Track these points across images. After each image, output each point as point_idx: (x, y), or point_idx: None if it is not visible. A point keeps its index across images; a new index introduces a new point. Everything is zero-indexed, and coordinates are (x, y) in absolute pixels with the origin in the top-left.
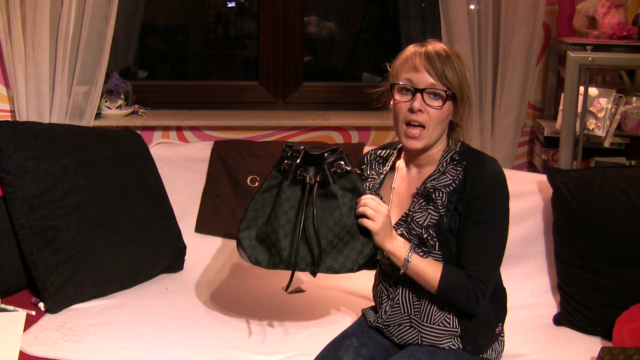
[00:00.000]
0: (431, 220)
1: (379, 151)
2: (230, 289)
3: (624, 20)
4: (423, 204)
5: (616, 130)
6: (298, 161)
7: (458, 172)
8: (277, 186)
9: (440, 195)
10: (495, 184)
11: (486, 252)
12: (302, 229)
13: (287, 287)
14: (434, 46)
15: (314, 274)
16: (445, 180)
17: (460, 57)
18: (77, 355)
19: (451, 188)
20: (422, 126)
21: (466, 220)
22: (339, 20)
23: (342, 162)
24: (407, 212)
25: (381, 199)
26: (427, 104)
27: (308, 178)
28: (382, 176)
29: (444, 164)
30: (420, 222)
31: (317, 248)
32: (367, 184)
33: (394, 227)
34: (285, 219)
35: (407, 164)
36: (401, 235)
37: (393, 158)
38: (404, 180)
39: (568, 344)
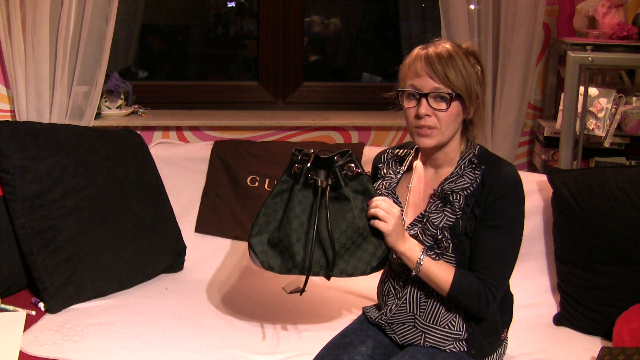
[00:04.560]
0: (447, 222)
1: (396, 150)
2: (230, 289)
3: (624, 20)
4: (440, 205)
5: (616, 130)
6: (309, 165)
7: (476, 175)
8: (289, 190)
9: (458, 197)
10: (513, 189)
11: (499, 256)
12: (316, 232)
13: (302, 291)
14: (437, 47)
15: (328, 278)
16: (463, 183)
17: (469, 54)
18: (77, 355)
19: (469, 191)
20: (434, 127)
21: (482, 224)
22: (338, 20)
23: (353, 165)
24: (423, 212)
25: (397, 198)
26: (433, 108)
27: (320, 181)
28: (398, 175)
29: (462, 167)
30: (435, 223)
31: (332, 251)
32: (384, 183)
33: (409, 227)
34: (298, 222)
35: (424, 164)
36: (415, 235)
37: (410, 158)
38: (421, 180)
39: (568, 344)
